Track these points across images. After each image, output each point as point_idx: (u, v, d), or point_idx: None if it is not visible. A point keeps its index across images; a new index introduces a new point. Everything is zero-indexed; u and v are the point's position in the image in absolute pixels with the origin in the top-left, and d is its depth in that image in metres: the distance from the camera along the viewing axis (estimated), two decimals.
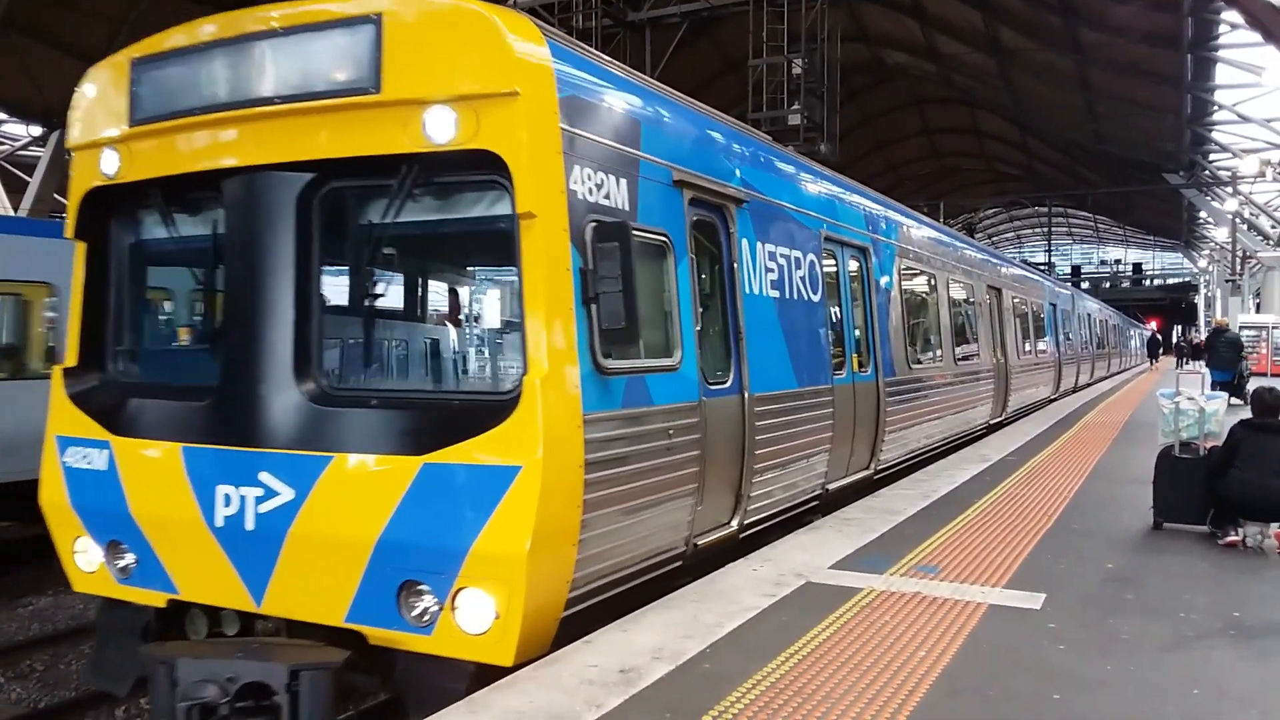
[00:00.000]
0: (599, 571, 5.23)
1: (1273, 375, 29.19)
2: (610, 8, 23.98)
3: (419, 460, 4.83)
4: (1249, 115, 34.09)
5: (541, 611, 4.83)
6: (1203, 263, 70.09)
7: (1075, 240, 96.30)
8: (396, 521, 4.82)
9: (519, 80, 4.87)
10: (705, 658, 4.76)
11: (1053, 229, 75.17)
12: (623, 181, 5.67)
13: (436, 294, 6.85)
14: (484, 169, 4.91)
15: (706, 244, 6.88)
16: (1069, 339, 26.36)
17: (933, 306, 13.04)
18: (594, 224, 5.20)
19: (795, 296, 8.06)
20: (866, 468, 9.84)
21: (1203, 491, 7.66)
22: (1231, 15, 25.37)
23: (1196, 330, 70.28)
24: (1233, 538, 7.33)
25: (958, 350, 13.90)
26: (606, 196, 5.48)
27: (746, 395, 6.91)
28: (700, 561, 6.45)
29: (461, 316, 6.53)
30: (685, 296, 6.22)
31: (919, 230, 13.04)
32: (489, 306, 6.26)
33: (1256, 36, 22.07)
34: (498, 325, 6.01)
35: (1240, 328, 36.48)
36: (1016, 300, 18.95)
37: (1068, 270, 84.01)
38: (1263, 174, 36.87)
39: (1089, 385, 30.08)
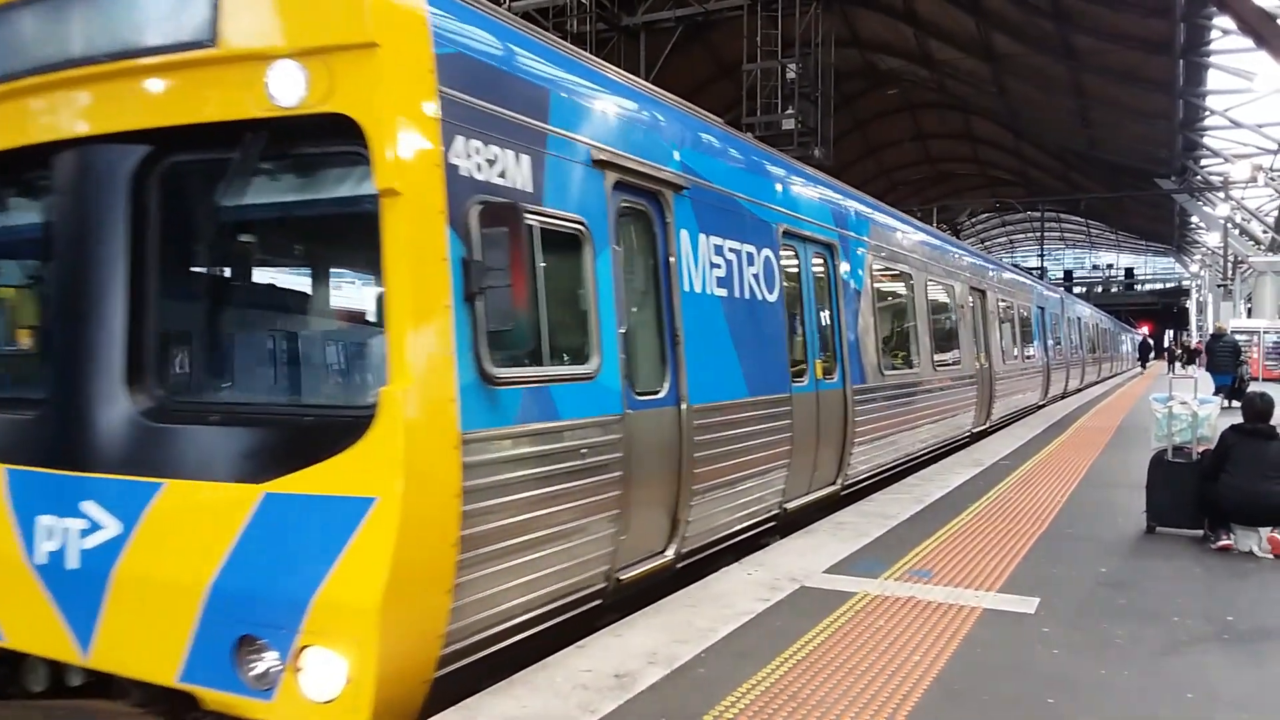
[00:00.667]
0: (485, 621, 4.46)
1: (1264, 380, 29.28)
2: (604, 12, 24.04)
3: (259, 489, 4.08)
4: (1240, 120, 34.24)
5: (404, 675, 4.07)
6: (1194, 267, 70.34)
7: (1068, 245, 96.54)
8: (233, 563, 4.07)
9: (379, 30, 4.09)
10: (700, 662, 4.75)
11: (1045, 234, 75.51)
12: (524, 158, 4.91)
13: (293, 289, 5.75)
14: (340, 138, 4.12)
15: (638, 235, 6.19)
16: (1058, 343, 25.70)
17: (909, 309, 12.28)
18: (481, 206, 4.43)
19: (747, 296, 7.34)
20: (833, 483, 9.13)
21: (1196, 496, 7.67)
22: (1223, 21, 25.49)
23: (1188, 334, 70.60)
24: (1225, 542, 7.34)
25: (937, 355, 13.07)
26: (501, 175, 4.72)
27: (684, 407, 6.17)
28: (630, 596, 5.79)
29: (321, 316, 5.51)
30: (607, 294, 5.46)
31: (894, 227, 12.25)
32: (350, 303, 5.46)
33: (1248, 42, 22.17)
34: (359, 326, 5.15)
35: (1231, 333, 36.69)
36: (1002, 303, 18.29)
37: (1060, 275, 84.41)
38: (1254, 179, 37.06)
39: (1079, 390, 29.67)
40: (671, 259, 6.27)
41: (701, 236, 6.73)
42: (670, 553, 6.17)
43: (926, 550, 7.23)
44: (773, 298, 7.78)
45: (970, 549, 7.28)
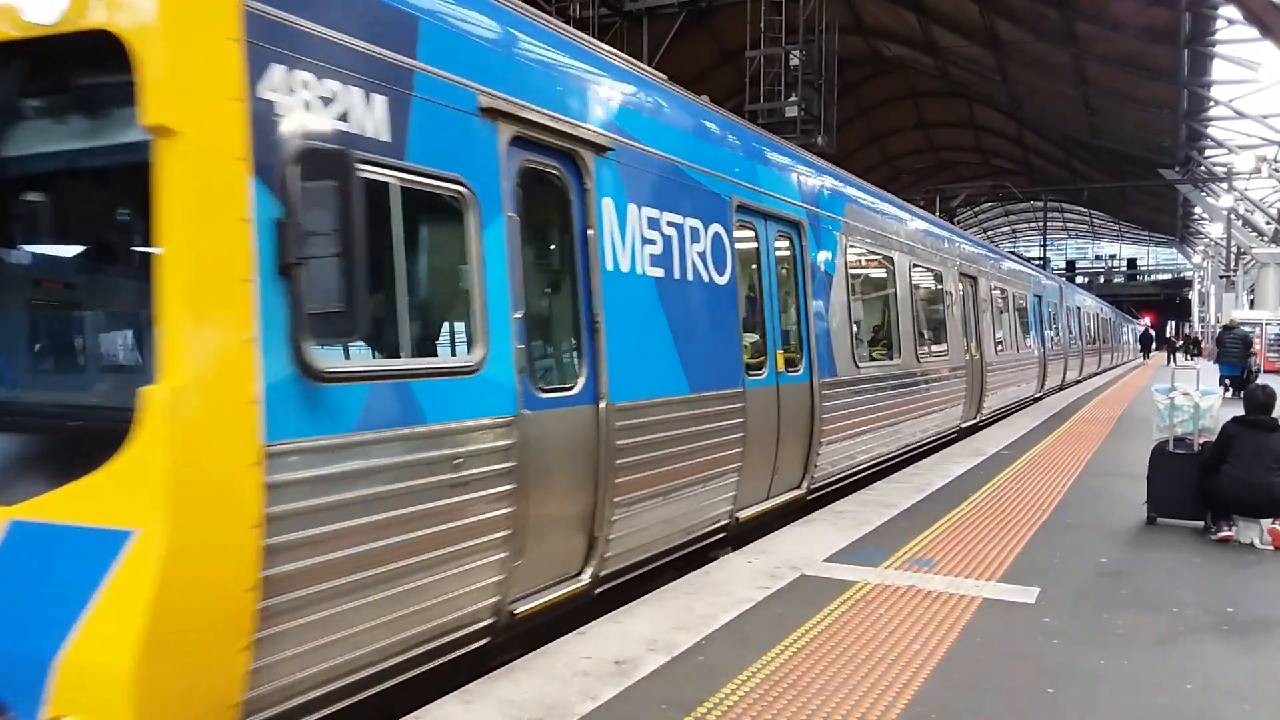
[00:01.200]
0: (305, 682, 3.57)
1: (1266, 371, 29.26)
2: None
3: (3, 514, 3.26)
4: (1245, 111, 34.12)
5: None
6: (1197, 258, 70.24)
7: (1070, 235, 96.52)
8: None
9: None
10: (700, 649, 4.76)
11: (1048, 224, 75.27)
12: (378, 100, 3.98)
13: (63, 259, 4.52)
14: (111, 64, 3.22)
15: (547, 203, 5.32)
16: (1055, 334, 24.84)
17: (890, 295, 11.38)
18: (302, 155, 3.52)
19: (690, 278, 6.48)
20: (797, 486, 8.31)
21: (1197, 487, 7.67)
22: (1229, 10, 25.38)
23: (1190, 325, 70.57)
24: (1226, 533, 7.34)
25: (921, 346, 12.21)
26: (342, 117, 3.79)
27: (604, 405, 5.32)
28: (539, 627, 5.07)
29: (94, 294, 4.42)
30: (497, 271, 4.55)
31: (873, 207, 11.17)
32: (127, 277, 4.17)
33: (1253, 32, 22.08)
34: (136, 305, 3.82)
35: (1224, 325, 36.67)
36: (995, 290, 17.39)
37: (1063, 265, 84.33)
38: (1258, 170, 36.95)
39: (1078, 382, 29.07)
40: (591, 232, 5.37)
41: (632, 208, 5.81)
42: (586, 576, 5.32)
43: (927, 539, 7.24)
44: (724, 280, 6.93)
45: (971, 538, 7.28)
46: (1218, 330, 23.46)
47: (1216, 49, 29.69)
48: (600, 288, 5.42)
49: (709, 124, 7.36)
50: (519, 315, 4.72)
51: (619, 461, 5.47)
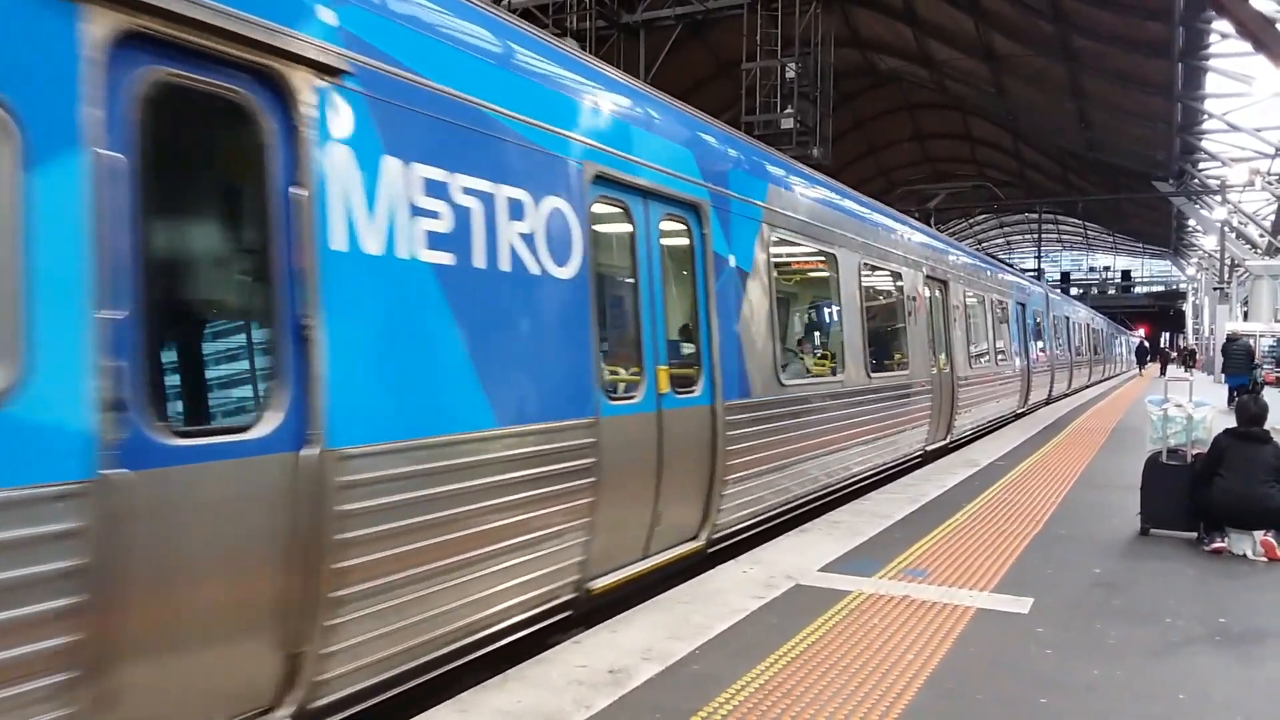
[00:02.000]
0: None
1: (1264, 383, 29.32)
2: (604, 9, 24.00)
3: None
4: (1238, 124, 34.29)
5: None
6: (1191, 270, 70.43)
7: (1065, 247, 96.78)
8: None
9: None
10: (694, 659, 4.76)
11: (1043, 235, 75.50)
12: None
13: None
14: None
15: (213, 146, 3.89)
16: (1041, 344, 23.42)
17: (832, 299, 9.76)
18: None
19: (505, 268, 4.76)
20: (694, 536, 6.76)
21: (1190, 498, 7.70)
22: (1222, 25, 25.52)
23: (1184, 337, 70.76)
24: (1219, 544, 7.36)
25: (875, 359, 10.57)
26: None
27: (319, 453, 3.63)
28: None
29: None
30: (66, 245, 2.91)
31: (809, 193, 9.22)
32: None
33: (1247, 46, 22.19)
34: None
35: (1227, 336, 36.75)
36: (970, 297, 15.83)
37: (1057, 276, 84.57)
38: (1251, 183, 37.07)
39: (1066, 396, 27.84)
40: (299, 193, 3.66)
41: (390, 163, 4.12)
42: (284, 713, 3.63)
43: (921, 550, 7.25)
44: (567, 273, 5.23)
45: (965, 549, 7.30)
46: (1221, 342, 23.48)
47: (1210, 63, 29.86)
48: (317, 276, 3.69)
49: (545, 61, 5.44)
50: (119, 316, 3.04)
51: (352, 534, 3.78)
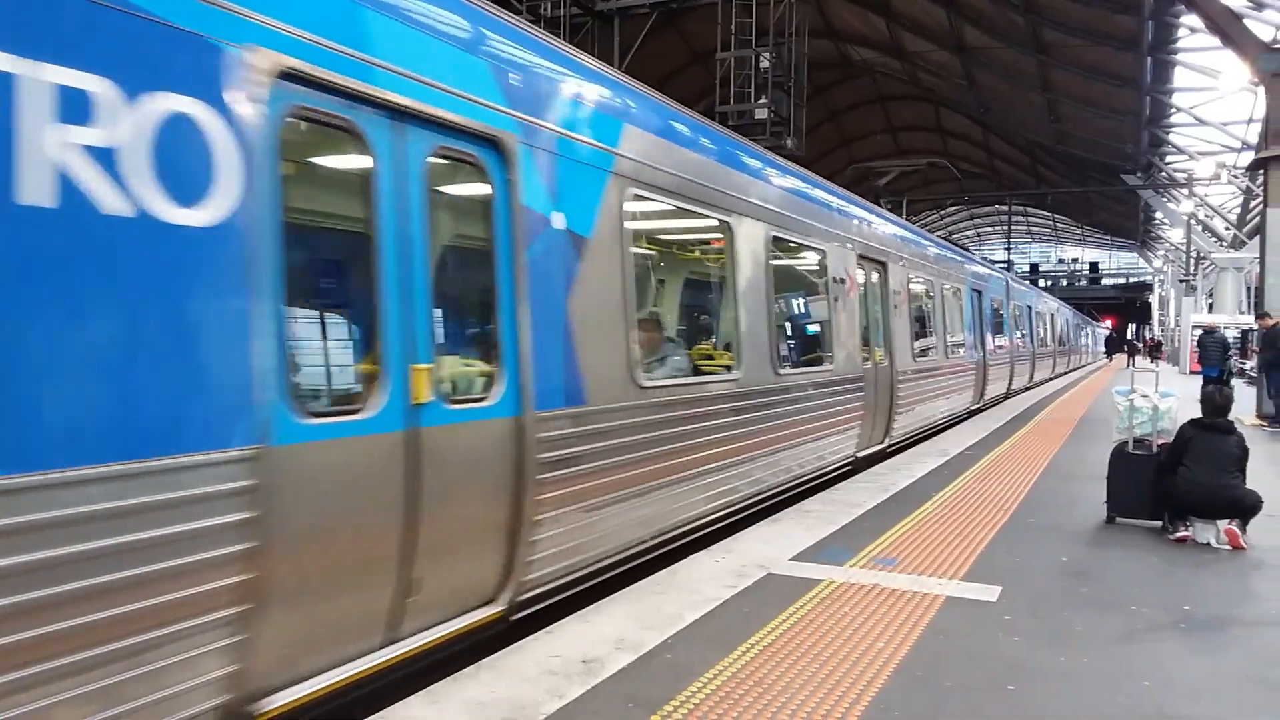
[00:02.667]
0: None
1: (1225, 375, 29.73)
2: None
3: None
4: (1205, 118, 34.73)
5: None
6: (1158, 263, 71.35)
7: (1034, 239, 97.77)
8: None
9: None
10: (667, 648, 4.77)
11: (1012, 228, 76.11)
12: None
13: None
14: None
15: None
16: (999, 335, 22.05)
17: (728, 279, 7.91)
18: None
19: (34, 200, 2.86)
20: (489, 599, 4.95)
21: (1155, 488, 7.80)
22: (1191, 19, 25.80)
23: (1150, 329, 71.67)
24: (1183, 533, 7.47)
25: (786, 350, 9.31)
26: None
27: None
28: None
29: None
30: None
31: (690, 140, 7.31)
32: None
33: (1215, 40, 22.45)
34: None
35: (1193, 328, 37.25)
36: (916, 282, 14.09)
37: (1026, 268, 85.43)
38: (1218, 176, 37.60)
39: (1027, 389, 26.35)
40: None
41: None
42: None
43: (891, 538, 7.30)
44: (201, 218, 3.37)
45: (934, 537, 7.36)
46: (1198, 334, 23.57)
47: (1179, 57, 30.20)
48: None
49: None
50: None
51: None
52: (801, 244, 9.54)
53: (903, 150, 57.92)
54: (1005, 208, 69.35)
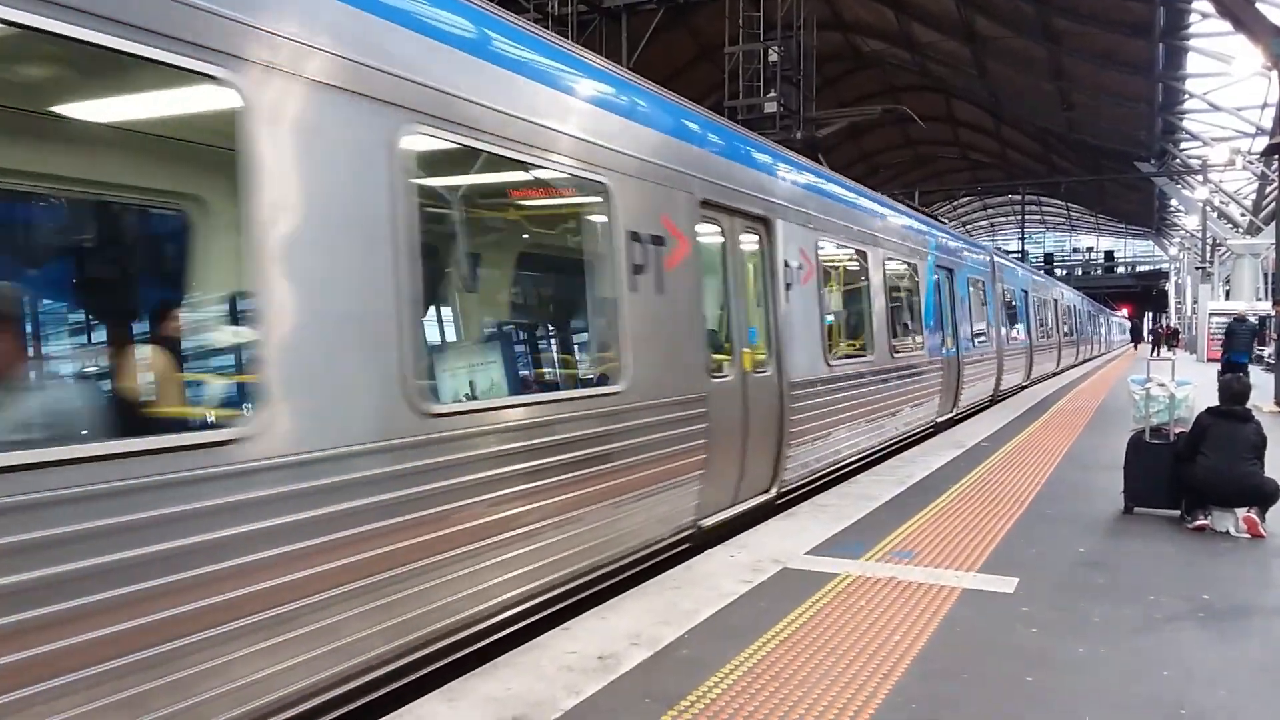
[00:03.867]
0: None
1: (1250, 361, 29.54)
2: None
3: None
4: (1219, 104, 34.46)
5: None
6: (1173, 250, 70.91)
7: (1048, 228, 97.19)
8: None
9: None
10: (683, 643, 4.78)
11: (1026, 217, 75.74)
12: None
13: None
14: None
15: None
16: (983, 325, 18.19)
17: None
18: None
19: None
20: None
21: (1172, 477, 7.75)
22: (1202, 4, 25.60)
23: (1167, 316, 71.24)
24: (1202, 522, 7.43)
25: (552, 365, 7.52)
26: None
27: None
28: None
29: None
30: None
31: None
32: None
33: (1227, 25, 22.27)
34: None
35: (1210, 315, 37.01)
36: (833, 248, 10.38)
37: (1041, 258, 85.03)
38: (1232, 162, 37.32)
39: (1024, 388, 22.43)
40: (778, 264, 7.84)
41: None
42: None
43: (907, 531, 7.29)
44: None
45: (950, 530, 7.34)
46: (1229, 322, 23.24)
47: (1191, 42, 29.97)
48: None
49: None
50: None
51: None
52: (550, 174, 5.71)
53: (912, 141, 57.76)
54: (1019, 197, 69.04)
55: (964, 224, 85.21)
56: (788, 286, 8.68)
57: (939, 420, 14.46)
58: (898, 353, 12.17)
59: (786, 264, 8.72)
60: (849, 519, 7.70)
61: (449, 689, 4.20)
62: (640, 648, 4.69)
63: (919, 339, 13.56)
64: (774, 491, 8.36)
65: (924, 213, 16.42)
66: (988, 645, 4.82)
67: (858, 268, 11.23)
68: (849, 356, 10.76)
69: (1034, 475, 9.89)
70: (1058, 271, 75.27)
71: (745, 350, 7.92)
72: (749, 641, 4.81)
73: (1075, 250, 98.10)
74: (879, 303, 11.52)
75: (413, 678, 4.34)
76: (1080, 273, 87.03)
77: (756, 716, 3.93)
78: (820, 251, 9.64)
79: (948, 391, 14.87)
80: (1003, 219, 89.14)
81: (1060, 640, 4.88)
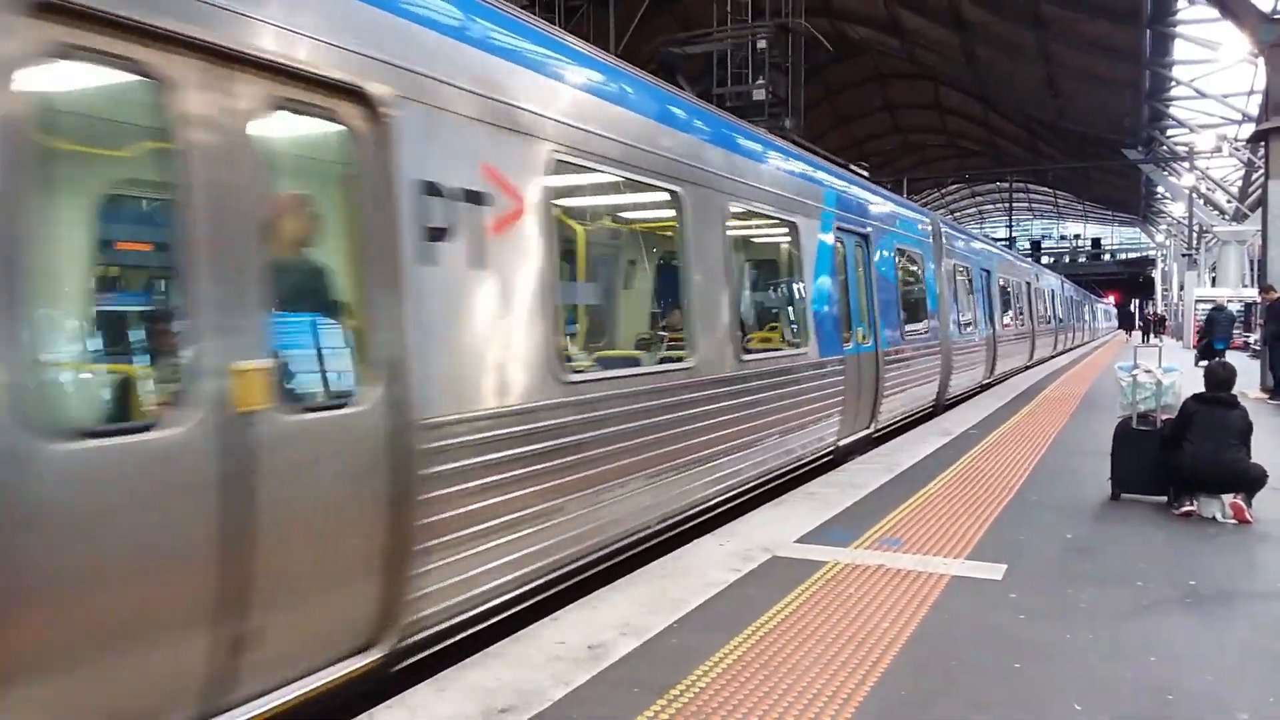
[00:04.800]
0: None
1: (1232, 348, 29.69)
2: None
3: None
4: (1206, 91, 34.53)
5: None
6: (1160, 237, 71.12)
7: (1036, 215, 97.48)
8: None
9: None
10: (672, 633, 4.78)
11: (1013, 204, 75.92)
12: None
13: None
14: None
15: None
16: (924, 315, 14.74)
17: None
18: None
19: None
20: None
21: (1159, 463, 7.79)
22: None
23: (1153, 303, 71.53)
24: (1188, 508, 7.46)
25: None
26: None
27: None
28: None
29: None
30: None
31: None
32: None
33: (1213, 12, 22.31)
34: None
35: (1195, 302, 37.18)
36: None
37: (1028, 245, 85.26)
38: (1219, 149, 37.42)
39: (985, 388, 19.42)
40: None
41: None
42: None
43: (896, 519, 7.31)
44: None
45: (939, 517, 7.36)
46: (1208, 310, 23.50)
47: (1178, 29, 30.01)
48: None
49: None
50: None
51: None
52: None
53: (901, 128, 57.79)
54: (1006, 185, 69.16)
55: (952, 211, 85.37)
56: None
57: (841, 444, 10.44)
58: (765, 359, 8.53)
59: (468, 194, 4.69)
60: (838, 507, 7.71)
61: (438, 679, 4.19)
62: (629, 637, 4.69)
63: (801, 338, 9.62)
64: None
65: (831, 160, 11.74)
66: (976, 632, 4.83)
67: (717, 233, 7.49)
68: (691, 357, 7.10)
69: (1022, 462, 9.93)
70: (1045, 259, 75.34)
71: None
72: (738, 630, 4.81)
73: (1063, 237, 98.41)
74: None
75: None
76: (1068, 260, 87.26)
77: (746, 705, 3.94)
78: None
79: (854, 400, 10.79)
80: (991, 206, 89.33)
81: (1048, 626, 4.90)
